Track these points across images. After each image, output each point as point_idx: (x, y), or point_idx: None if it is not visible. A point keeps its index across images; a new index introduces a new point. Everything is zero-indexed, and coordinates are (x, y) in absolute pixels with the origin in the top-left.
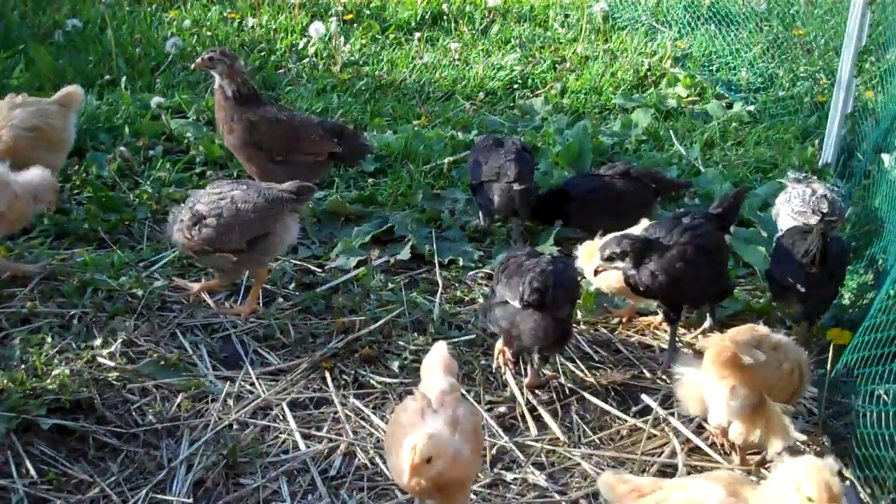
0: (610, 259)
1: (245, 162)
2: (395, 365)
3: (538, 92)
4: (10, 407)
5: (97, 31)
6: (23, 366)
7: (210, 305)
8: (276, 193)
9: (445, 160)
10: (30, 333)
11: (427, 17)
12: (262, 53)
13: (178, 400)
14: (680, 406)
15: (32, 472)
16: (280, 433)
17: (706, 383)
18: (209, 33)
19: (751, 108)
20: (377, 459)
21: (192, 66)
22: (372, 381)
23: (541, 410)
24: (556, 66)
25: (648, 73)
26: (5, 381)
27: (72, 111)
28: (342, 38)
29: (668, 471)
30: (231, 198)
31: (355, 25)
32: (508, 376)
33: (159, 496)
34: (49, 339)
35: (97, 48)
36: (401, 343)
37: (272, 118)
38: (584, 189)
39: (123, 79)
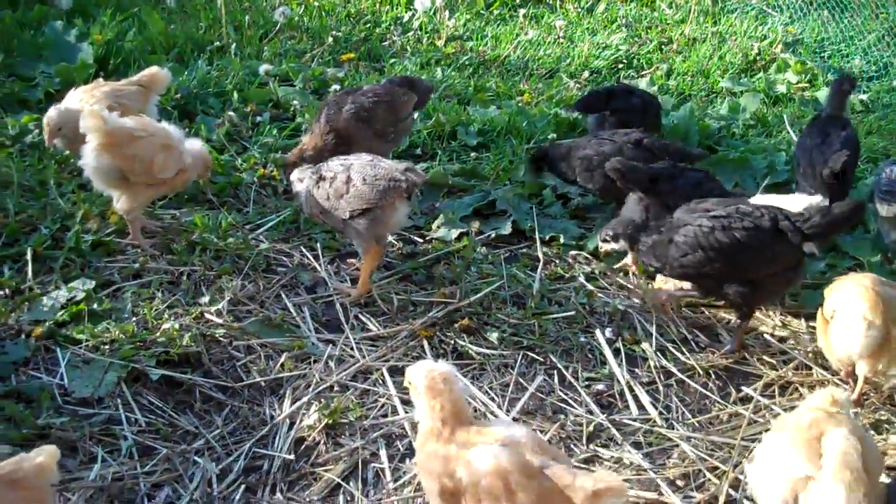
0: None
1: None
2: (493, 337)
3: (644, 72)
4: (121, 356)
5: None
6: (134, 318)
7: (324, 278)
8: (387, 173)
9: (549, 137)
10: (141, 287)
11: None
12: (368, 25)
13: (282, 359)
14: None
15: (141, 420)
16: (379, 397)
17: (842, 319)
18: (316, 3)
19: (863, 96)
20: None
21: None
22: (470, 351)
23: (639, 391)
24: (663, 46)
25: (758, 58)
26: (117, 333)
27: (153, 92)
28: (447, 13)
29: None
30: (349, 166)
31: (460, 0)
32: (608, 353)
33: (262, 451)
34: (159, 294)
35: (207, 15)
36: (500, 316)
37: (373, 102)
38: (593, 151)
39: (233, 46)
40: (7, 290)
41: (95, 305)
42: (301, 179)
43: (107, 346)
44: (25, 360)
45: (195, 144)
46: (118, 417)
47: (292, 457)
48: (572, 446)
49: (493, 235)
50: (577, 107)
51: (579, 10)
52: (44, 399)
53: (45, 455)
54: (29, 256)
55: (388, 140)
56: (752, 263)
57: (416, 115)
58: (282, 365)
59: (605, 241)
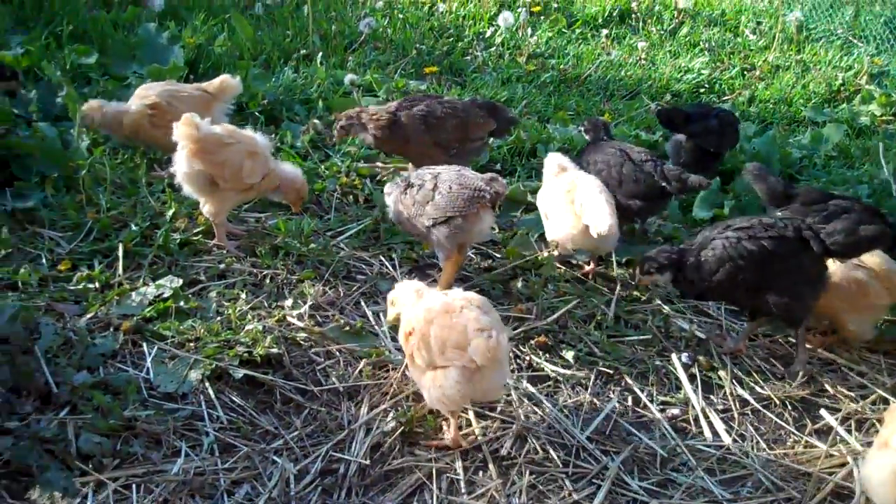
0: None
1: (416, 157)
2: (569, 355)
3: (725, 98)
4: (205, 354)
5: (295, 6)
6: (218, 318)
7: (396, 278)
8: (472, 182)
9: None
10: (225, 288)
11: (615, 13)
12: (451, 39)
13: (360, 366)
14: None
15: (223, 418)
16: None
17: None
18: (401, 16)
19: None
20: (548, 446)
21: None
22: (545, 368)
23: (713, 417)
24: (745, 73)
25: (842, 88)
26: (202, 331)
27: (219, 100)
28: (529, 30)
29: (842, 492)
30: (437, 175)
31: (542, 17)
32: (683, 378)
33: (338, 454)
34: (243, 296)
35: (294, 23)
36: (576, 334)
37: (445, 112)
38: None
39: (319, 54)
40: (98, 284)
41: (182, 303)
42: (390, 193)
43: (192, 344)
44: (113, 353)
45: (294, 170)
46: (201, 414)
47: (368, 462)
48: (646, 470)
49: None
50: (658, 114)
51: (662, 32)
52: (130, 392)
53: None
54: (120, 252)
55: (448, 153)
56: (780, 272)
57: (490, 140)
58: (360, 371)
59: (647, 273)
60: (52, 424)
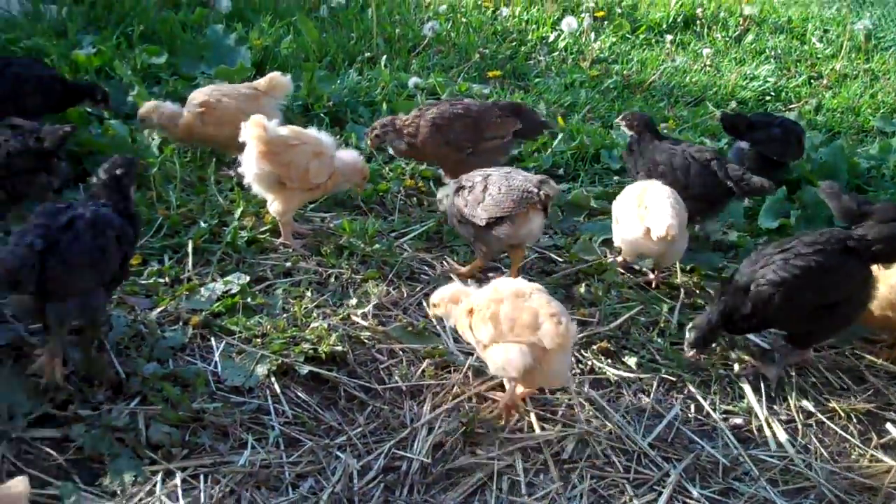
0: None
1: (437, 160)
2: (631, 361)
3: (791, 106)
4: (272, 350)
5: (359, 8)
6: (284, 315)
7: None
8: (521, 184)
9: None
10: (291, 286)
11: (679, 19)
12: (514, 44)
13: (423, 366)
14: None
15: (288, 412)
16: (517, 412)
17: None
18: (464, 20)
19: None
20: (609, 451)
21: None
22: (608, 373)
23: (777, 428)
24: (812, 81)
25: None
26: (268, 327)
27: (269, 96)
28: (592, 35)
29: None
30: (487, 176)
31: (606, 23)
32: (746, 387)
33: (401, 452)
34: (308, 294)
35: (359, 25)
36: (639, 340)
37: (451, 114)
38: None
39: (383, 57)
40: (168, 279)
41: (249, 299)
42: (446, 196)
43: (258, 339)
44: (182, 346)
45: (351, 154)
46: (267, 408)
47: (430, 460)
48: (707, 478)
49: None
50: (722, 120)
51: (727, 38)
52: (199, 384)
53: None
54: (189, 249)
55: (463, 153)
56: (832, 285)
57: (512, 140)
58: (423, 371)
59: (695, 347)
60: (123, 414)
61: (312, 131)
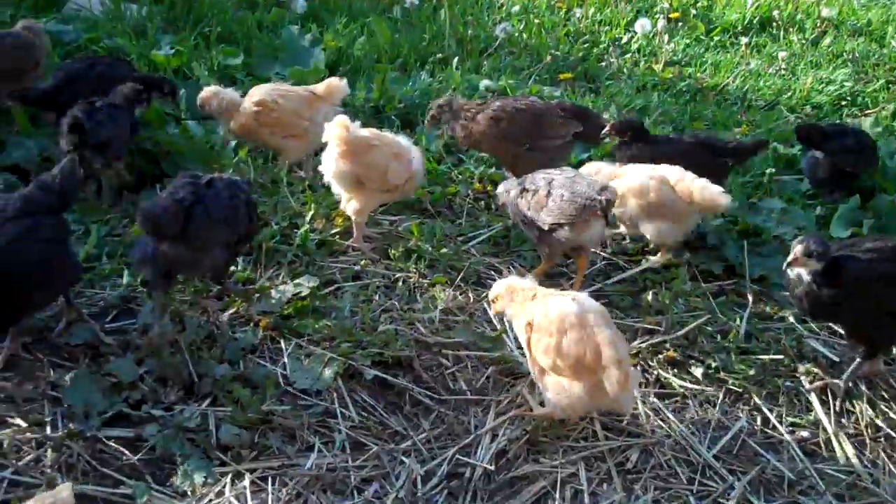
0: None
1: (493, 153)
2: (697, 372)
3: (868, 111)
4: (339, 353)
5: (432, 10)
6: (352, 318)
7: None
8: (585, 191)
9: (766, 171)
10: (360, 289)
11: (755, 21)
12: (586, 45)
13: (488, 372)
14: None
15: (354, 416)
16: (581, 420)
17: None
18: (536, 21)
19: None
20: (674, 462)
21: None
22: (673, 383)
23: (845, 442)
24: (890, 85)
25: None
26: (337, 330)
27: (326, 101)
28: (666, 37)
29: None
30: (551, 181)
31: (680, 24)
32: (814, 400)
33: (464, 458)
34: (376, 297)
35: (431, 27)
36: (706, 350)
37: (514, 108)
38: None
39: (455, 59)
40: (240, 281)
41: (318, 302)
42: (508, 191)
43: (327, 342)
44: (253, 348)
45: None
46: (334, 411)
47: (493, 468)
48: (773, 491)
49: (698, 268)
50: (796, 130)
51: (804, 41)
52: (268, 386)
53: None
54: (261, 250)
55: (521, 147)
56: None
57: (572, 142)
58: (487, 378)
59: (809, 254)
60: (194, 415)
61: (388, 133)
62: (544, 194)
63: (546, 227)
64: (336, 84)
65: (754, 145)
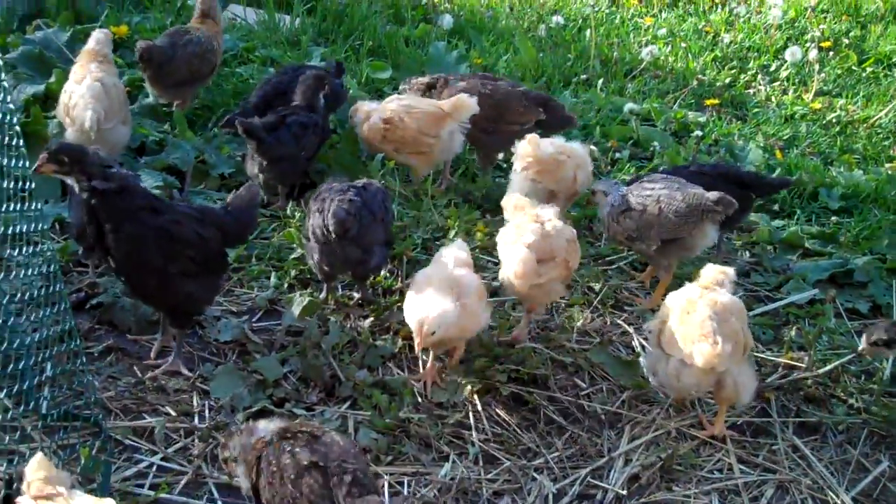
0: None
1: None
2: (839, 410)
3: None
4: (476, 368)
5: (577, 30)
6: (489, 333)
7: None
8: (698, 201)
9: None
10: (497, 306)
11: None
12: (733, 71)
13: (623, 396)
14: None
15: (488, 430)
16: (716, 451)
17: None
18: (683, 45)
19: None
20: (809, 501)
21: None
22: (813, 420)
23: None
24: None
25: None
26: (474, 344)
27: (452, 119)
28: (817, 66)
29: None
30: (658, 197)
31: (832, 54)
32: None
33: (596, 481)
34: (513, 314)
35: (576, 46)
36: (849, 390)
37: (478, 92)
38: None
39: (600, 81)
40: (381, 289)
41: None
42: (606, 192)
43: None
44: (392, 356)
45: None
46: (468, 424)
47: (625, 492)
48: None
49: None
50: None
51: None
52: (406, 394)
53: None
54: (404, 261)
55: (487, 132)
56: None
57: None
58: (623, 402)
59: (874, 345)
60: (335, 416)
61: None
62: (655, 213)
63: (658, 244)
64: (464, 101)
65: (779, 182)
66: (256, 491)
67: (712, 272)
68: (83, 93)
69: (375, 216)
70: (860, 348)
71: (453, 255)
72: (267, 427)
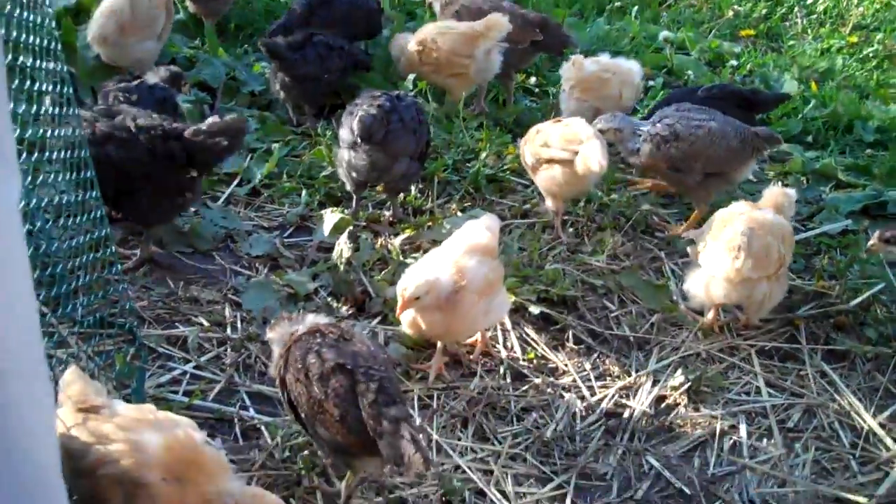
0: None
1: None
2: (870, 335)
3: None
4: (505, 287)
5: None
6: (520, 254)
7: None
8: (749, 136)
9: None
10: (527, 228)
11: None
12: (770, 2)
13: (653, 319)
14: None
15: (517, 348)
16: (744, 375)
17: None
18: None
19: None
20: (837, 425)
21: None
22: (842, 347)
23: None
24: None
25: None
26: (504, 265)
27: (486, 38)
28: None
29: None
30: (709, 129)
31: None
32: None
33: (623, 400)
34: (544, 236)
35: None
36: (879, 318)
37: (475, 9)
38: None
39: (634, 8)
40: (411, 208)
41: None
42: (619, 129)
43: None
44: None
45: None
46: (497, 341)
47: (653, 412)
48: None
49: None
50: None
51: None
52: None
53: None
54: (434, 182)
55: None
56: None
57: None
58: (652, 324)
59: (886, 241)
60: (365, 331)
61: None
62: (704, 146)
63: (701, 177)
64: (496, 20)
65: (775, 97)
66: (284, 383)
67: (773, 193)
68: (108, 4)
69: (405, 125)
70: (870, 243)
71: (469, 239)
72: (308, 322)
